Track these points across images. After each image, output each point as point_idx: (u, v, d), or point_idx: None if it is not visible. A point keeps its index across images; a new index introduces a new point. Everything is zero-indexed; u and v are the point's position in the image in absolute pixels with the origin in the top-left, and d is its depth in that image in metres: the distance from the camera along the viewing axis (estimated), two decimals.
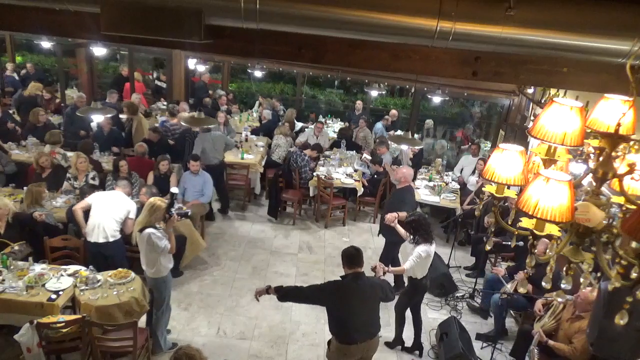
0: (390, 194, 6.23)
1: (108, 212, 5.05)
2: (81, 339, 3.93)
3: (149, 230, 4.29)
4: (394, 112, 11.21)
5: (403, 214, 5.16)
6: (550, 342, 4.33)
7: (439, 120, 13.47)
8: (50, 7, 2.94)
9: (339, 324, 3.81)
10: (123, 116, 8.28)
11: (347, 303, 3.71)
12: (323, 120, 11.60)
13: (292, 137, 9.31)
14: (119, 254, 5.16)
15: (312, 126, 10.78)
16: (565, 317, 4.46)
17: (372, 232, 7.96)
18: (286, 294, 3.90)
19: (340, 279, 3.85)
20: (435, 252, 6.61)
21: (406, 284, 5.09)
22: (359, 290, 3.74)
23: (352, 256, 3.78)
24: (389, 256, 5.83)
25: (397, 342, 5.24)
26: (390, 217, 5.19)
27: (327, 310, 3.90)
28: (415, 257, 4.64)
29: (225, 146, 7.78)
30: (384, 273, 4.26)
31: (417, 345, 5.19)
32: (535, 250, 1.78)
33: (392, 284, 6.06)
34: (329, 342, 3.97)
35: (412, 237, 4.81)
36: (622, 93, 1.82)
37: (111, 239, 5.05)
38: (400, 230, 5.10)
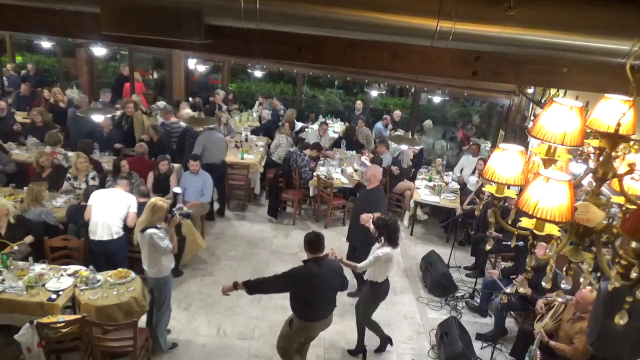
0: (360, 195, 6.07)
1: (110, 210, 5.07)
2: (81, 339, 3.93)
3: (151, 230, 4.29)
4: (397, 112, 11.17)
5: (378, 214, 5.12)
6: (552, 342, 4.33)
7: (439, 120, 13.47)
8: (50, 7, 2.94)
9: (304, 304, 4.06)
10: (117, 112, 8.28)
11: (312, 286, 3.96)
12: (324, 120, 11.61)
13: (292, 137, 9.32)
14: (122, 250, 5.20)
15: (313, 126, 10.81)
16: (566, 317, 4.46)
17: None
18: (254, 286, 4.04)
19: (302, 264, 4.05)
20: (435, 252, 6.70)
21: (367, 289, 4.92)
22: (322, 274, 3.97)
23: (313, 242, 4.02)
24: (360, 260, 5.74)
25: (383, 346, 5.15)
26: (366, 217, 5.12)
27: (292, 293, 4.09)
28: (373, 258, 4.61)
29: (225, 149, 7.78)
30: (336, 258, 4.39)
31: (361, 349, 5.08)
32: (535, 251, 1.78)
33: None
34: (290, 321, 4.17)
35: (377, 235, 4.77)
36: (622, 93, 1.82)
37: (115, 236, 5.10)
38: (372, 227, 5.00)
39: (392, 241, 4.65)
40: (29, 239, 4.96)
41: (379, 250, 4.65)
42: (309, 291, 3.98)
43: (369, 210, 5.32)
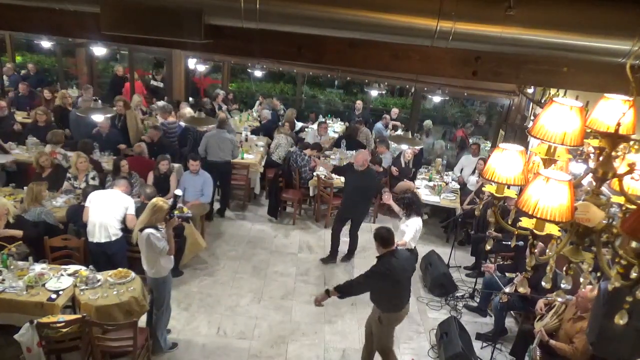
0: (353, 177, 6.57)
1: (107, 211, 5.06)
2: (81, 338, 3.93)
3: (149, 230, 4.29)
4: (395, 110, 11.22)
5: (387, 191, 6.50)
6: (552, 341, 4.32)
7: (439, 120, 13.48)
8: (50, 7, 2.93)
9: (390, 297, 4.28)
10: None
11: (395, 278, 4.19)
12: (324, 120, 11.61)
13: (292, 137, 9.31)
14: (121, 251, 5.18)
15: (313, 126, 10.80)
16: (567, 317, 4.46)
17: (372, 232, 7.93)
18: (345, 291, 4.24)
19: (380, 260, 4.24)
20: (435, 252, 6.73)
21: None
22: (401, 265, 4.23)
23: (386, 237, 4.23)
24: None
25: None
26: (389, 195, 6.08)
27: (377, 290, 4.29)
28: (414, 230, 5.34)
29: (232, 151, 7.75)
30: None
31: None
32: (535, 251, 1.78)
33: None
34: (379, 319, 4.36)
35: (405, 211, 5.50)
36: (622, 93, 1.82)
37: (113, 238, 5.07)
38: (395, 206, 5.77)
39: (419, 212, 5.57)
40: (18, 233, 4.86)
41: (412, 222, 5.35)
42: (393, 284, 4.19)
43: (368, 188, 6.55)
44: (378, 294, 4.31)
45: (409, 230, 5.33)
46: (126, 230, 5.18)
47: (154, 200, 4.46)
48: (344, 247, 6.97)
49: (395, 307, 4.32)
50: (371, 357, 4.72)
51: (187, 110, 8.94)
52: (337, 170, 7.01)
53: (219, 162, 7.43)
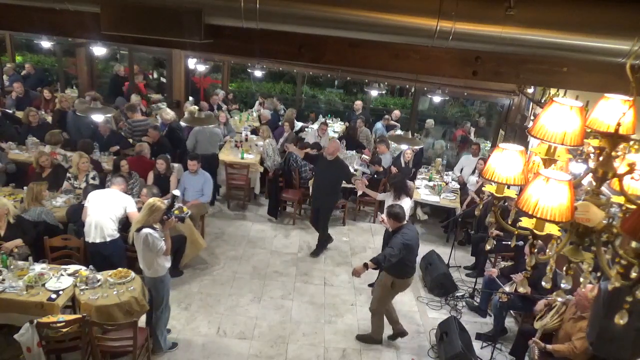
0: (322, 166, 6.82)
1: (104, 211, 5.02)
2: (81, 338, 3.93)
3: (146, 230, 4.27)
4: (396, 112, 11.21)
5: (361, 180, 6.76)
6: (549, 346, 4.31)
7: (439, 120, 13.47)
8: (50, 7, 2.94)
9: (405, 265, 4.83)
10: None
11: (413, 248, 4.83)
12: (324, 120, 11.59)
13: (292, 136, 9.28)
14: (117, 253, 5.13)
15: (313, 126, 10.80)
16: (567, 316, 4.45)
17: (372, 232, 7.96)
18: (381, 262, 4.66)
19: (396, 233, 4.78)
20: (435, 252, 6.74)
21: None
22: (413, 235, 4.86)
23: (399, 214, 4.82)
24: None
25: None
26: (362, 183, 6.50)
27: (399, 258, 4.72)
28: (408, 209, 5.59)
29: (219, 143, 8.15)
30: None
31: None
32: (535, 250, 1.78)
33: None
34: (392, 283, 4.91)
35: (395, 193, 5.83)
36: (622, 93, 1.82)
37: (108, 239, 5.01)
38: (371, 192, 6.68)
39: (408, 193, 5.97)
40: (18, 241, 4.88)
41: (404, 202, 5.56)
42: (411, 253, 4.79)
43: (337, 176, 6.81)
44: (396, 262, 4.69)
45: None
46: (123, 229, 5.16)
47: (151, 200, 4.45)
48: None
49: (407, 273, 4.91)
50: (394, 318, 5.26)
51: (189, 109, 8.88)
52: (308, 157, 7.26)
53: (207, 155, 7.69)
